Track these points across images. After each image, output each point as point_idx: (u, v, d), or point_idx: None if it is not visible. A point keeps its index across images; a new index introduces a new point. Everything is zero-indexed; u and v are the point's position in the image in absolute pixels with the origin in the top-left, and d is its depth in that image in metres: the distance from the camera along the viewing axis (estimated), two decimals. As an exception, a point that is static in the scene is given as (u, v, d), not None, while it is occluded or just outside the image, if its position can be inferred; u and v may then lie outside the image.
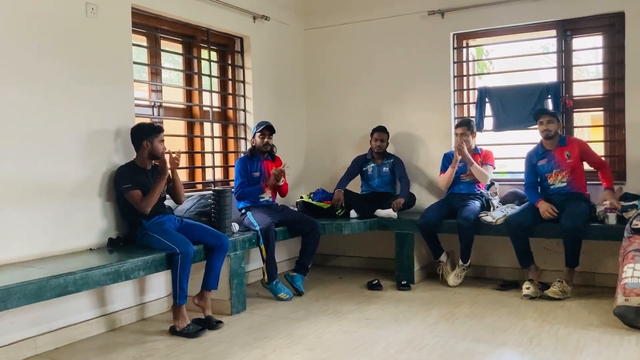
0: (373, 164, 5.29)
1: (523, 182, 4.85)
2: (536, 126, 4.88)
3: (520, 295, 4.29)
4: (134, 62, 4.09)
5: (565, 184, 4.43)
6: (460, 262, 4.70)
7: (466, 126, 4.81)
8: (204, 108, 4.90)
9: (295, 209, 5.08)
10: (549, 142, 4.50)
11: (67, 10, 3.60)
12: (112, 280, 3.22)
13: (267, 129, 4.64)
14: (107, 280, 3.19)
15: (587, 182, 4.48)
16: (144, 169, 3.83)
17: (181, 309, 3.62)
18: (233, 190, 4.55)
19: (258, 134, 4.64)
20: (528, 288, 4.25)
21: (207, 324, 3.72)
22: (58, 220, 3.53)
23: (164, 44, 4.59)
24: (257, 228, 4.32)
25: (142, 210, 3.69)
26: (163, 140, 3.84)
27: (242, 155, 4.88)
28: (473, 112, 5.20)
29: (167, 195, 3.99)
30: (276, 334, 3.60)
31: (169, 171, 3.88)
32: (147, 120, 4.14)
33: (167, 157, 3.84)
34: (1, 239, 3.22)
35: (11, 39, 3.28)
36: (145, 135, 3.79)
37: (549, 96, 4.86)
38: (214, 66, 5.03)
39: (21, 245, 3.33)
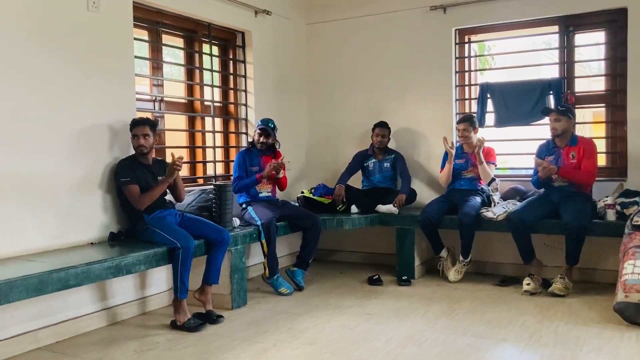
0: (374, 160, 5.29)
1: (524, 179, 4.87)
2: (538, 122, 4.90)
3: (520, 291, 4.29)
4: (136, 57, 4.08)
5: (567, 183, 4.40)
6: (461, 258, 4.70)
7: (468, 122, 4.81)
8: (205, 103, 4.90)
9: (296, 204, 5.08)
10: (558, 140, 4.48)
11: (68, 4, 3.59)
12: (113, 274, 3.22)
13: (263, 130, 4.62)
14: (108, 275, 3.19)
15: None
16: (146, 164, 3.83)
17: (182, 303, 3.63)
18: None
19: (257, 131, 4.64)
20: (528, 284, 4.25)
21: (208, 319, 3.73)
22: (59, 214, 3.53)
23: (166, 39, 4.58)
24: (259, 223, 4.33)
25: (137, 207, 3.68)
26: (138, 136, 3.74)
27: (242, 149, 4.88)
28: (475, 108, 5.19)
29: (167, 191, 3.98)
30: (277, 329, 3.61)
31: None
32: (142, 115, 4.08)
33: (170, 159, 3.81)
34: (3, 233, 3.22)
35: (11, 33, 3.28)
36: (130, 132, 3.82)
37: (551, 92, 4.84)
38: (216, 61, 5.02)
39: (23, 239, 3.33)
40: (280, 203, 4.76)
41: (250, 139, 4.82)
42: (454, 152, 4.82)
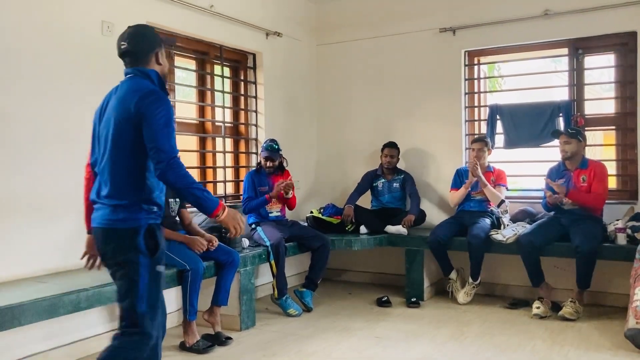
0: (383, 180, 5.30)
1: (534, 200, 4.85)
2: (547, 144, 4.90)
3: (530, 314, 4.27)
4: (148, 79, 4.13)
5: (577, 206, 4.38)
6: (470, 280, 4.68)
7: (483, 142, 4.82)
8: (216, 123, 4.94)
9: (305, 224, 5.09)
10: (569, 162, 4.47)
11: (83, 28, 3.66)
12: (124, 296, 3.24)
13: (267, 158, 4.61)
14: (118, 297, 3.21)
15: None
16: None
17: (191, 324, 3.64)
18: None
19: (262, 157, 4.64)
20: (538, 307, 4.23)
21: (217, 340, 3.74)
22: (70, 235, 3.55)
23: (178, 60, 4.64)
24: (268, 243, 4.34)
25: None
26: None
27: (251, 169, 4.91)
28: (484, 129, 5.20)
29: (176, 212, 4.00)
30: (285, 351, 3.61)
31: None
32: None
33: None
34: (14, 254, 3.26)
35: (29, 57, 3.34)
36: None
37: (561, 114, 4.85)
38: (227, 82, 5.08)
39: (34, 260, 3.37)
40: (289, 223, 4.78)
41: (258, 160, 4.84)
42: (475, 180, 4.79)
